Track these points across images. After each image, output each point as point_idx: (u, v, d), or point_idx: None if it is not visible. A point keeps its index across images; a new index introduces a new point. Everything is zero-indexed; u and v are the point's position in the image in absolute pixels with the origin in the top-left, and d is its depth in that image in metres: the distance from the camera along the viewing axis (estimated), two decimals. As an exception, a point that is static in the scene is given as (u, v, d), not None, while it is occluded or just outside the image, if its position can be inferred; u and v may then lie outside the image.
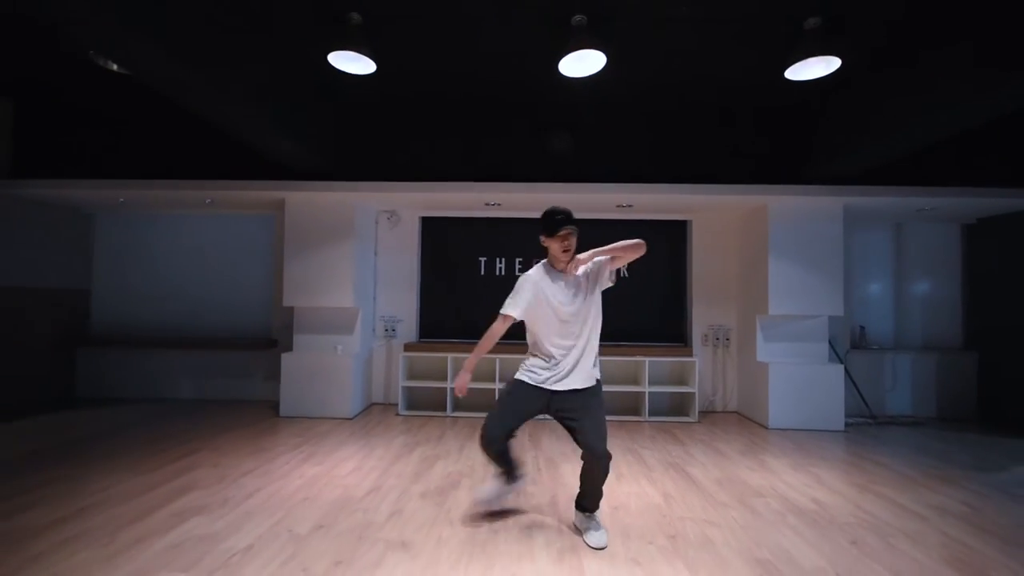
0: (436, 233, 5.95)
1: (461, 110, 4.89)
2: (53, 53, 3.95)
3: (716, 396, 5.73)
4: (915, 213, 5.49)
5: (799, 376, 4.96)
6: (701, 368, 5.56)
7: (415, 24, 3.56)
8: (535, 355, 2.66)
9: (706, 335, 5.74)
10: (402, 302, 5.86)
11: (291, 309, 5.45)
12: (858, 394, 5.51)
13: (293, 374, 5.11)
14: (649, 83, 4.32)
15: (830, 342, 5.30)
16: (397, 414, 5.31)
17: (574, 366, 2.57)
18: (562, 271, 2.61)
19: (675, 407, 5.59)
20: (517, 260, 5.82)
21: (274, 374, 5.75)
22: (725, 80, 4.24)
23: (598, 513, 2.68)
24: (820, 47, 3.32)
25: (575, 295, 2.60)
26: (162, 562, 2.30)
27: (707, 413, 5.60)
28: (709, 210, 5.61)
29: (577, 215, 5.83)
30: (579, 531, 2.65)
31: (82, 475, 3.40)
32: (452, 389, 5.38)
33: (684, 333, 5.85)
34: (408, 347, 5.50)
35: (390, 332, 5.81)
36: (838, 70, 3.50)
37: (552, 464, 3.79)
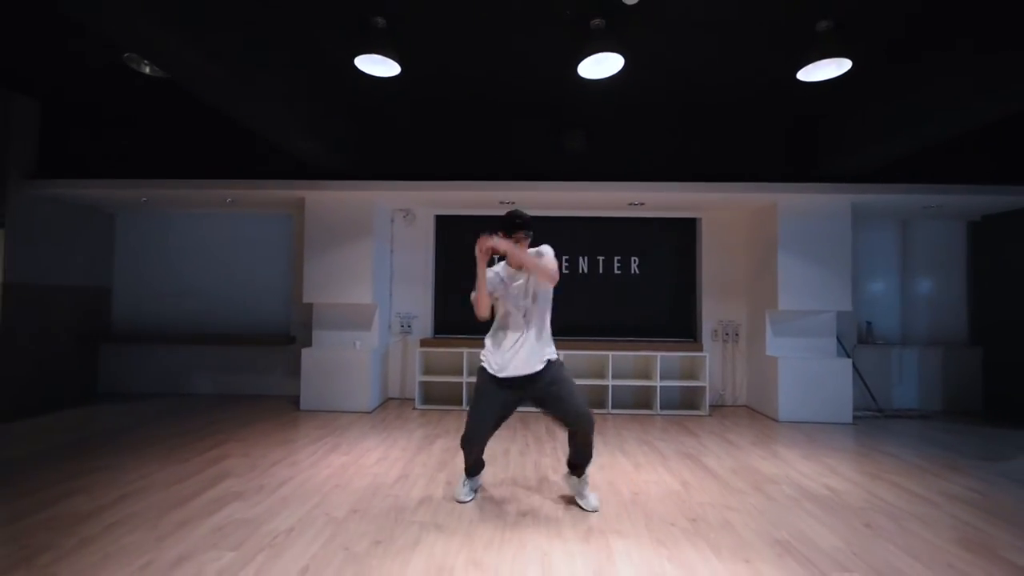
0: (451, 231, 6.06)
1: (478, 111, 4.99)
2: (82, 53, 4.07)
3: (726, 390, 5.84)
4: (921, 211, 5.60)
5: (808, 370, 5.07)
6: (711, 363, 5.67)
7: (437, 28, 3.67)
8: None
9: (715, 330, 5.86)
10: (417, 299, 5.98)
11: (310, 306, 5.57)
12: (865, 388, 5.61)
13: (313, 369, 5.24)
14: (662, 84, 4.42)
15: (838, 337, 5.40)
16: (414, 408, 5.43)
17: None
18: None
19: (686, 401, 5.70)
20: (530, 257, 5.94)
21: (292, 370, 5.88)
22: (736, 81, 4.34)
23: (587, 476, 2.97)
24: (831, 49, 3.42)
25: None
26: (209, 543, 2.42)
27: (717, 407, 5.71)
28: (719, 208, 5.72)
29: (588, 213, 6.04)
30: (573, 496, 2.97)
31: (117, 465, 3.52)
32: (468, 384, 5.51)
33: (694, 328, 5.97)
34: (424, 343, 5.62)
35: (406, 328, 5.93)
36: (848, 71, 3.60)
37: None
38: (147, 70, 3.85)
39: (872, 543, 2.52)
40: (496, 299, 2.89)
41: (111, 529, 2.57)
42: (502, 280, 2.87)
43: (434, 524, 2.63)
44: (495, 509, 2.84)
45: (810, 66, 3.54)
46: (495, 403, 2.82)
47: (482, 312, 2.79)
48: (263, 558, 2.27)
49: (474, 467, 3.01)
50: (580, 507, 2.87)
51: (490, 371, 2.84)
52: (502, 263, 2.95)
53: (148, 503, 2.89)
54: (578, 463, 2.90)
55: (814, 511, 2.89)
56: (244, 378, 6.04)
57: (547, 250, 2.81)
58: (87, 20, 2.66)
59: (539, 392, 2.80)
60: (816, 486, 3.30)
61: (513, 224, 2.80)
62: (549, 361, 2.83)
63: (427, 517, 2.71)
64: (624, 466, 3.63)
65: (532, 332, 2.81)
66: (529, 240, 2.85)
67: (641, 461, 3.75)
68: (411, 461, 3.66)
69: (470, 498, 2.95)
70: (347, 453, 3.83)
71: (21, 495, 2.97)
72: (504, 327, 2.87)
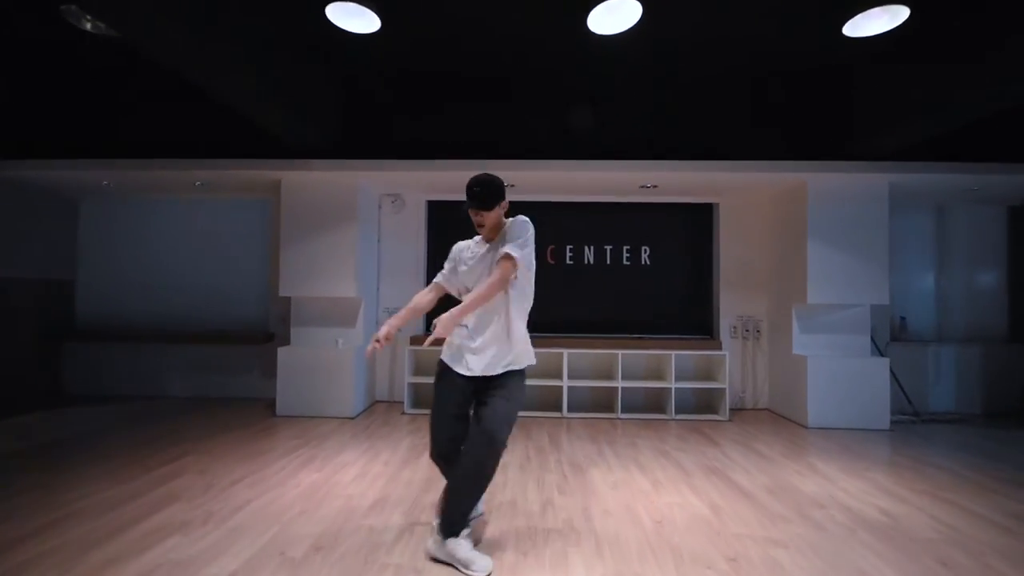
0: (444, 218, 5.54)
1: (472, 81, 4.46)
2: (30, 18, 3.55)
3: (746, 392, 5.33)
4: (959, 194, 5.08)
5: (840, 370, 4.56)
6: (730, 362, 5.15)
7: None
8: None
9: (734, 327, 5.34)
10: (407, 292, 5.43)
11: (288, 300, 5.05)
12: (900, 390, 5.10)
13: (291, 370, 4.73)
14: (681, 46, 3.89)
15: (871, 334, 4.88)
16: (403, 413, 4.93)
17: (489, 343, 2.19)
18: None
19: (702, 404, 5.20)
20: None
21: (272, 370, 5.36)
22: (765, 41, 3.81)
23: (466, 533, 2.16)
24: (885, -5, 2.91)
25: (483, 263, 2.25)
26: (130, 594, 1.92)
27: (737, 411, 5.20)
28: (738, 191, 5.19)
29: (598, 197, 5.50)
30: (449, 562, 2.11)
31: (59, 482, 3.03)
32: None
33: (711, 325, 5.45)
34: (415, 340, 5.11)
35: (395, 325, 5.41)
36: (897, 28, 3.08)
37: (578, 469, 3.40)
38: (88, 26, 3.33)
39: (957, 590, 2.03)
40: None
41: (23, 569, 2.08)
42: (469, 260, 2.31)
43: (413, 568, 2.12)
44: (489, 547, 2.32)
45: (859, 17, 3.02)
46: (454, 396, 2.22)
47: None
48: (190, 620, 1.77)
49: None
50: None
51: (442, 357, 2.29)
52: (472, 240, 2.38)
53: (75, 534, 2.40)
54: (446, 508, 2.17)
55: (875, 545, 2.39)
56: (219, 379, 5.54)
57: (521, 229, 2.18)
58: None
59: (483, 393, 2.20)
60: (869, 510, 2.79)
61: (467, 196, 2.17)
62: (511, 371, 2.20)
63: (405, 558, 2.20)
64: (641, 484, 3.13)
65: (498, 326, 2.19)
66: (503, 211, 2.24)
67: (660, 478, 3.25)
68: (393, 479, 3.16)
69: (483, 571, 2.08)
70: (321, 469, 3.33)
71: (-70, 522, 2.48)
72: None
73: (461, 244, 2.40)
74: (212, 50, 3.04)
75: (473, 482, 2.13)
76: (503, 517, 2.64)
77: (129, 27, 2.77)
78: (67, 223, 5.67)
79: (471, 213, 2.20)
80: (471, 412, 2.24)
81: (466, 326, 2.21)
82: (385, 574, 2.07)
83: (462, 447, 2.17)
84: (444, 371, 2.27)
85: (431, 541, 2.18)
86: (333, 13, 3.05)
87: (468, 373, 2.18)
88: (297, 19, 3.48)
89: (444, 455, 2.25)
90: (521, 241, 2.15)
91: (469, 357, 2.19)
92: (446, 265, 2.40)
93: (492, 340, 2.18)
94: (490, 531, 2.47)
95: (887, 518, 2.70)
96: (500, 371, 2.18)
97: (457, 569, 2.07)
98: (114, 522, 2.52)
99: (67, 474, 3.17)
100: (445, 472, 2.30)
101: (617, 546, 2.33)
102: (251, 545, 2.29)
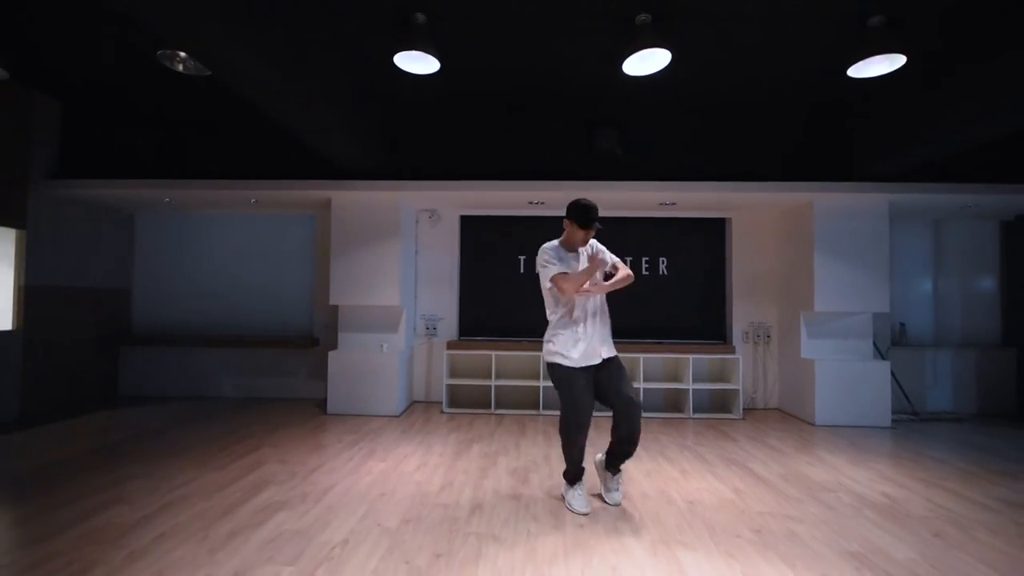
0: (476, 232, 5.97)
1: (509, 109, 4.90)
2: (110, 51, 3.98)
3: (757, 393, 5.74)
4: (956, 211, 5.50)
5: (845, 373, 4.98)
6: (742, 365, 5.56)
7: (475, 23, 3.57)
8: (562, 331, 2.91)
9: (746, 332, 5.76)
10: (443, 301, 5.89)
11: (334, 308, 5.48)
12: (901, 391, 5.51)
13: (340, 372, 5.15)
14: (703, 82, 4.33)
15: (873, 339, 5.30)
16: (442, 412, 5.35)
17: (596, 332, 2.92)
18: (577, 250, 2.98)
19: (716, 404, 5.61)
20: (556, 258, 5.82)
21: (317, 372, 5.81)
22: (780, 78, 4.24)
23: (622, 474, 3.07)
24: (884, 44, 3.33)
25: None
26: (264, 556, 2.33)
27: (749, 410, 5.62)
28: (750, 208, 5.62)
29: (619, 212, 5.95)
30: (602, 490, 3.06)
31: (152, 472, 3.43)
32: (496, 387, 5.42)
33: (724, 330, 5.87)
34: (451, 345, 5.53)
35: (431, 330, 5.85)
36: (898, 68, 3.51)
37: (613, 460, 3.82)
38: (180, 67, 3.77)
39: (946, 554, 2.43)
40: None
41: (159, 542, 2.49)
42: (566, 262, 2.92)
43: (491, 536, 2.54)
44: (550, 519, 2.75)
45: (861, 63, 3.45)
46: (589, 385, 2.84)
47: (570, 292, 2.83)
48: (323, 573, 2.18)
49: (581, 469, 2.96)
50: (604, 501, 3.00)
51: (567, 364, 2.85)
52: (555, 244, 2.96)
53: (192, 512, 2.81)
54: (619, 457, 2.97)
55: (879, 520, 2.80)
56: (267, 381, 5.97)
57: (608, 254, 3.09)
58: (133, 14, 2.59)
59: (604, 376, 2.87)
60: (873, 494, 3.20)
61: (589, 218, 2.83)
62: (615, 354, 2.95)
63: (482, 528, 2.63)
64: (671, 472, 3.55)
65: (597, 318, 2.93)
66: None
67: (687, 467, 3.67)
68: (451, 468, 3.58)
69: (588, 509, 2.86)
70: (384, 459, 3.75)
71: (59, 505, 2.89)
72: (571, 319, 2.90)
73: (554, 248, 2.94)
74: (292, 87, 3.48)
75: (637, 438, 2.89)
76: (556, 498, 3.05)
77: (221, 67, 3.17)
78: (125, 236, 6.10)
79: (589, 229, 2.85)
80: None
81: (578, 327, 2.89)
82: (469, 540, 2.49)
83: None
84: (569, 371, 2.84)
85: (596, 462, 3.17)
86: (401, 60, 3.48)
87: (599, 360, 2.87)
88: (365, 61, 3.92)
89: (586, 432, 2.87)
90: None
91: (597, 348, 2.88)
92: (559, 263, 2.87)
93: (595, 332, 2.93)
94: (548, 508, 2.89)
95: (889, 500, 3.11)
96: (612, 353, 2.95)
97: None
98: (224, 501, 2.94)
99: (157, 465, 3.55)
100: (576, 448, 2.88)
101: (658, 521, 2.75)
102: (350, 518, 2.71)
